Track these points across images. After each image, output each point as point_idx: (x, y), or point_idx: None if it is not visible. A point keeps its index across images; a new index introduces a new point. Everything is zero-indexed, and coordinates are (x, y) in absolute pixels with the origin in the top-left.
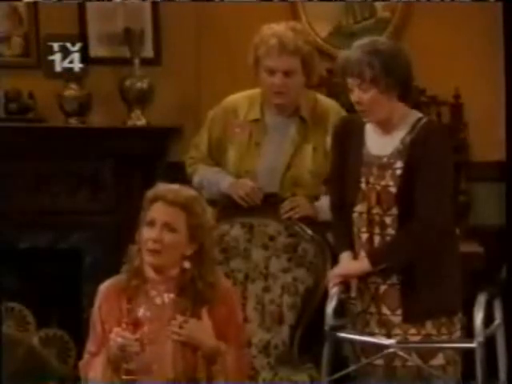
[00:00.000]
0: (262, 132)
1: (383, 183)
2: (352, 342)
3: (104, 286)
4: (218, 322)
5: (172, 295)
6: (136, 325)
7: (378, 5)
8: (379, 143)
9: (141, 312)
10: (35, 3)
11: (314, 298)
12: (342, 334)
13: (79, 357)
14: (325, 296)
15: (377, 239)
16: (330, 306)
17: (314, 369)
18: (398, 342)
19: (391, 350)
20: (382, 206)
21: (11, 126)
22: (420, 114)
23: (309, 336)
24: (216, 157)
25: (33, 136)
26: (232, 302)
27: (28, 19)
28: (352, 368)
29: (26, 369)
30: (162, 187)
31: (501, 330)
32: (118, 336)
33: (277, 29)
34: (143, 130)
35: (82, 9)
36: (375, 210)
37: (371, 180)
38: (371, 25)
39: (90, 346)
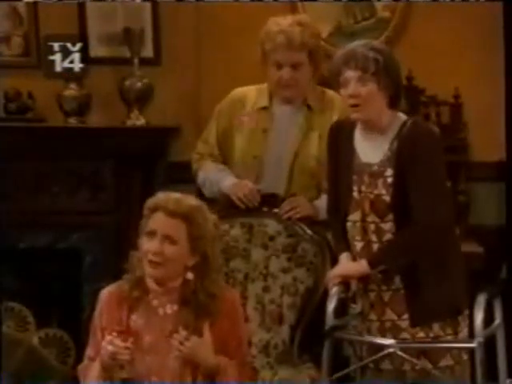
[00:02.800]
0: (269, 119)
1: (376, 192)
2: (352, 342)
3: (106, 293)
4: (220, 335)
5: (174, 306)
6: (128, 333)
7: (377, 5)
8: (368, 150)
9: (142, 322)
10: (35, 3)
11: (313, 298)
12: (342, 334)
13: (79, 357)
14: (325, 296)
15: (374, 247)
16: (330, 306)
17: (314, 369)
18: (398, 343)
19: (391, 350)
20: (378, 213)
21: (11, 126)
22: (405, 117)
23: (309, 336)
24: (223, 147)
25: (32, 136)
26: (235, 315)
27: (28, 19)
28: (352, 368)
29: (25, 369)
30: (162, 196)
31: (501, 330)
32: (109, 344)
33: (283, 24)
34: (143, 129)
35: (81, 9)
36: (370, 218)
37: (363, 188)
38: (371, 25)
39: (90, 351)
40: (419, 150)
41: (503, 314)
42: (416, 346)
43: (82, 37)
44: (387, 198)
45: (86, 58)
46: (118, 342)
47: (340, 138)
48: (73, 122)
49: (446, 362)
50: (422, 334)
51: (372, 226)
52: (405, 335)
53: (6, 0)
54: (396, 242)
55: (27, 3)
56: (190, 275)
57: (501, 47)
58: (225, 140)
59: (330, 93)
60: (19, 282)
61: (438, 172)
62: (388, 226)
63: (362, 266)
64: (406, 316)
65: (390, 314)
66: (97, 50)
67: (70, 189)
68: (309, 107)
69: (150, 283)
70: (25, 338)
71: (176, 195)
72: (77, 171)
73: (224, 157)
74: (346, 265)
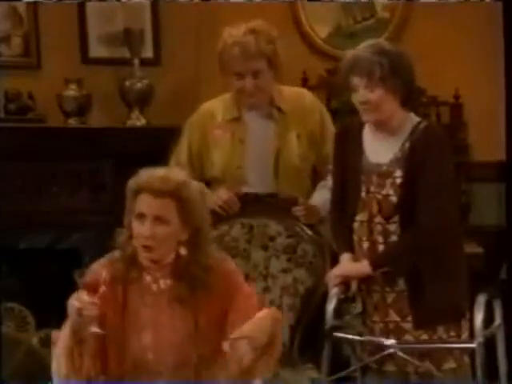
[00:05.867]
0: (243, 129)
1: (384, 192)
2: (352, 343)
3: (99, 268)
4: (219, 308)
5: (168, 281)
6: (95, 291)
7: (377, 5)
8: (378, 150)
9: (136, 300)
10: (35, 3)
11: (313, 299)
12: (342, 334)
13: None
14: (325, 296)
15: (380, 248)
16: (330, 306)
17: (314, 369)
18: (398, 343)
19: (391, 350)
20: (384, 214)
21: (11, 126)
22: (418, 118)
23: (309, 336)
24: (196, 165)
25: (32, 136)
26: (234, 285)
27: (28, 19)
28: (352, 368)
29: (25, 369)
30: (145, 175)
31: (501, 331)
32: (75, 300)
33: (237, 35)
34: (143, 130)
35: (81, 9)
36: (377, 219)
37: (371, 189)
38: (371, 25)
39: None
40: (432, 155)
41: (503, 315)
42: (416, 346)
43: (82, 37)
44: (394, 199)
45: (85, 58)
46: (84, 297)
47: (347, 140)
48: (73, 122)
49: (449, 364)
50: (425, 337)
51: (378, 227)
52: (408, 337)
53: (6, 0)
54: (399, 244)
55: (27, 3)
56: (183, 250)
57: (501, 47)
58: (200, 156)
59: (294, 89)
60: (19, 282)
61: (448, 178)
62: (393, 227)
63: (363, 266)
64: (409, 318)
65: (394, 316)
66: (97, 51)
67: (70, 189)
68: (279, 110)
69: (144, 261)
70: (25, 338)
71: (160, 173)
72: (77, 171)
73: (200, 173)
74: (347, 265)
